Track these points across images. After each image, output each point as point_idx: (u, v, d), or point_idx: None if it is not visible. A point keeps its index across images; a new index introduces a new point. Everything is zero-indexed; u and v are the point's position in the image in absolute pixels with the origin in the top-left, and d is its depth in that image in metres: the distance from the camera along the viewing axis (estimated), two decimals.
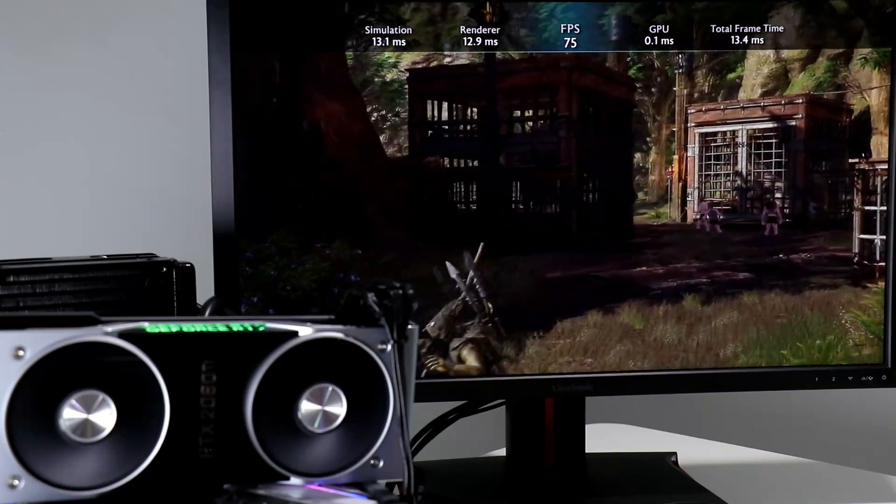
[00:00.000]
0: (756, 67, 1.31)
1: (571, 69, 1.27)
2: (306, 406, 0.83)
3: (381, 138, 1.26)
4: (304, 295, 1.24)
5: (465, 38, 1.24)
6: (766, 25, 1.29)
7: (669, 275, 1.31)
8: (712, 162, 1.33)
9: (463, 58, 1.25)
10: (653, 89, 1.30)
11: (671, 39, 1.27)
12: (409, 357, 0.86)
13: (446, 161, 1.28)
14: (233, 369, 0.82)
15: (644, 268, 1.31)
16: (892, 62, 1.30)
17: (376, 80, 1.25)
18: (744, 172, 1.33)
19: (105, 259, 1.08)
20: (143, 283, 1.07)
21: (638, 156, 1.31)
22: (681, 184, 1.32)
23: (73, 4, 1.59)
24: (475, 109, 1.28)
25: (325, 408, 0.84)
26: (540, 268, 1.29)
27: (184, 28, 1.43)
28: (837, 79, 1.31)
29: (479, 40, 1.24)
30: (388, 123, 1.26)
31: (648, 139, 1.31)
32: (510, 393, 1.32)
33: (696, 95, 1.30)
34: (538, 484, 1.34)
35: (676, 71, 1.30)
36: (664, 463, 1.43)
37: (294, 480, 0.84)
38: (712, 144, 1.32)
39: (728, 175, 1.33)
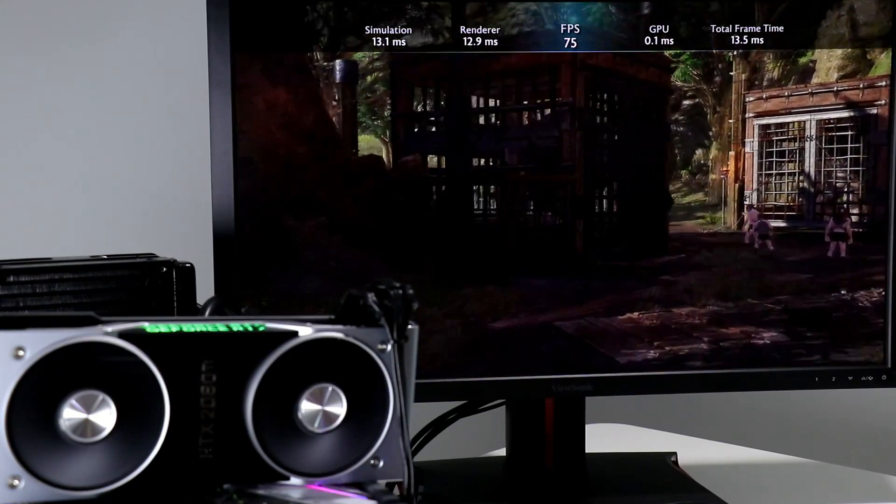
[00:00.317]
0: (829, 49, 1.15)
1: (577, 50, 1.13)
2: (306, 406, 0.83)
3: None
4: None
5: (464, 38, 1.24)
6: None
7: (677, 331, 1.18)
8: (774, 159, 1.16)
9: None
10: (716, 77, 1.16)
11: (671, 39, 1.27)
12: (409, 357, 0.86)
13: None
14: (233, 369, 0.82)
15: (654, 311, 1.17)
16: (892, 62, 1.29)
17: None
18: (811, 172, 1.16)
19: (105, 259, 1.08)
20: (143, 283, 1.07)
21: (699, 152, 1.17)
22: (737, 185, 1.17)
23: (73, 4, 1.58)
24: (445, 94, 1.14)
25: (326, 408, 0.84)
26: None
27: (184, 28, 1.43)
28: None
29: (479, 40, 1.24)
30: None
31: (711, 132, 1.17)
32: (510, 393, 1.32)
33: (756, 82, 1.15)
34: (538, 484, 1.34)
35: (731, 55, 1.15)
36: (664, 463, 1.43)
37: (294, 480, 0.84)
38: (774, 138, 1.16)
39: (792, 175, 1.15)
